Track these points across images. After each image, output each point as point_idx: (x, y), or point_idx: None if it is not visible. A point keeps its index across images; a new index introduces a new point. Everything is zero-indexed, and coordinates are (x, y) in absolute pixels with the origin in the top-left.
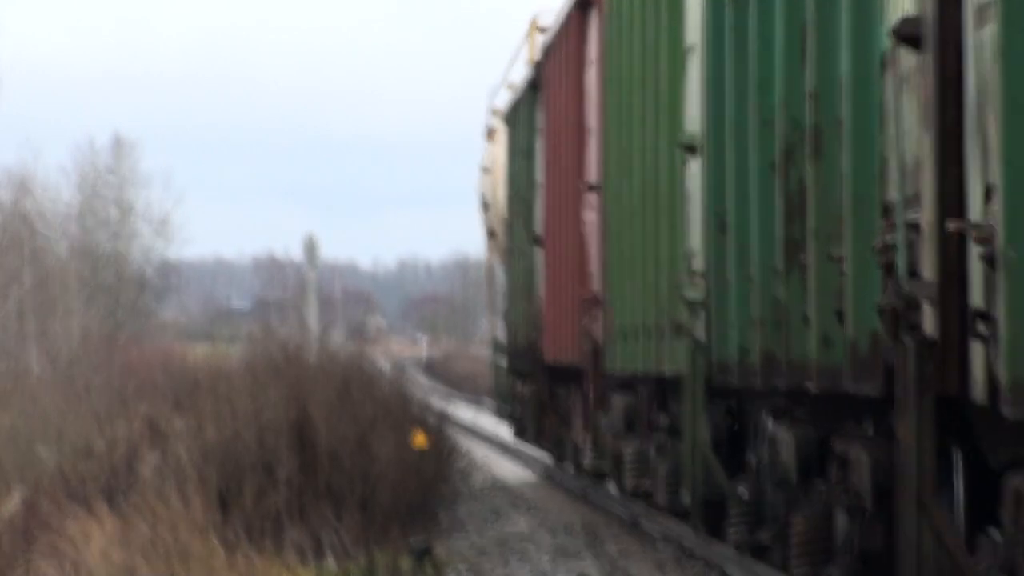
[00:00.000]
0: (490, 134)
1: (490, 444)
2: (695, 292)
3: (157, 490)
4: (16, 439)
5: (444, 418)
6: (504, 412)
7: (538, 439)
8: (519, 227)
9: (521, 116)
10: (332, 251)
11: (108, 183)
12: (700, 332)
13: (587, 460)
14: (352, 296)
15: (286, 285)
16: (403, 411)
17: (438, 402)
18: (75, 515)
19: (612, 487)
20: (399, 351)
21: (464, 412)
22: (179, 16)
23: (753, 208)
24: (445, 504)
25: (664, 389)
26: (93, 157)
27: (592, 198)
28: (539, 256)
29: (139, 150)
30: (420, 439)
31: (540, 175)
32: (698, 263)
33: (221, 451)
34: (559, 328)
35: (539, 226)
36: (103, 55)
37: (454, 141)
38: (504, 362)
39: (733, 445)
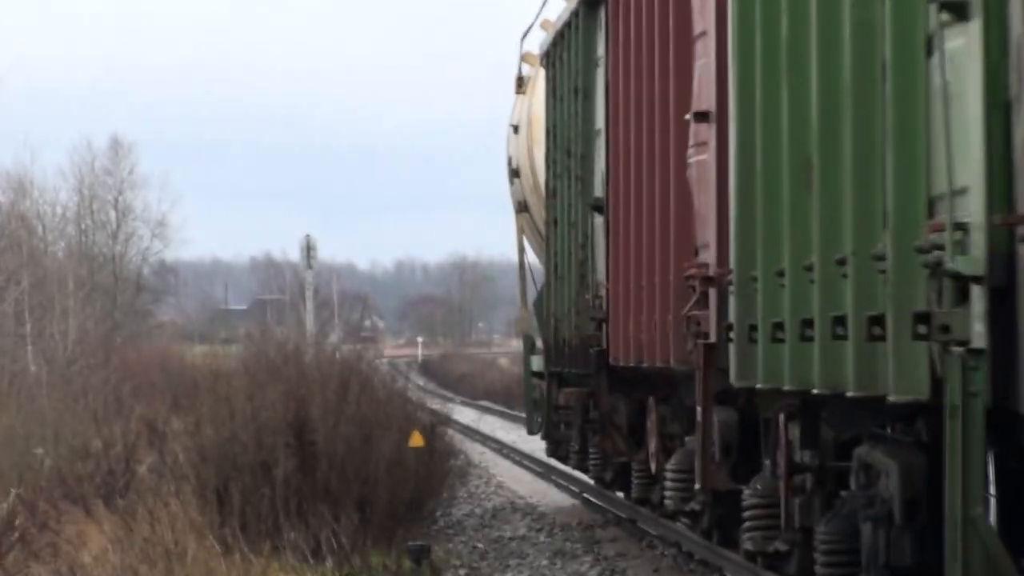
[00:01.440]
0: (520, 85)
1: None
2: (970, 264)
3: (154, 490)
4: (13, 439)
5: (443, 419)
6: (537, 426)
7: (583, 462)
8: (567, 192)
9: (569, 50)
10: (330, 252)
11: (106, 184)
12: (978, 333)
13: (672, 500)
14: (349, 297)
15: (283, 286)
16: (401, 412)
17: (435, 404)
18: (72, 516)
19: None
20: (396, 352)
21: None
22: (177, 18)
23: None
24: (443, 505)
25: (816, 412)
26: (91, 158)
27: (704, 131)
28: (598, 226)
29: (136, 151)
30: (417, 439)
31: (601, 119)
32: (973, 204)
33: (219, 451)
34: (634, 318)
35: (599, 187)
36: (101, 57)
37: (452, 143)
38: (539, 363)
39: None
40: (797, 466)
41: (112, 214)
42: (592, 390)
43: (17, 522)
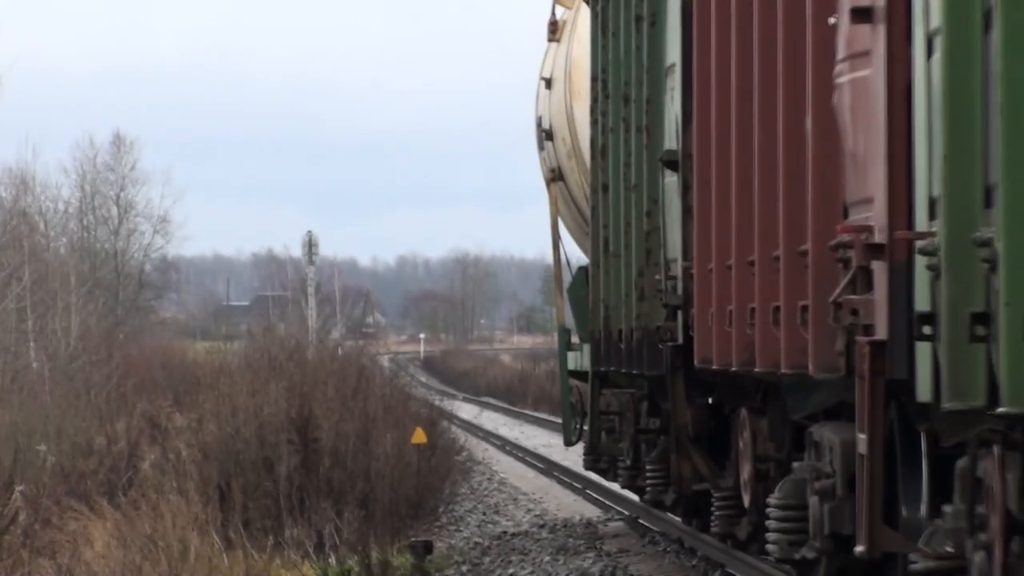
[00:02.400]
0: (553, 31)
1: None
2: None
3: (157, 487)
4: (16, 436)
5: (445, 416)
6: (575, 435)
7: (635, 480)
8: (622, 148)
9: None
10: (332, 248)
11: (108, 180)
12: None
13: (778, 545)
14: (351, 293)
15: (285, 282)
16: (403, 408)
17: (437, 401)
18: (75, 512)
19: None
20: (398, 348)
21: (464, 412)
22: (179, 13)
23: None
24: (445, 501)
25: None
26: (93, 154)
27: (864, 36)
28: (671, 187)
29: (139, 148)
30: (420, 435)
31: (675, 52)
32: None
33: (221, 448)
34: (736, 305)
35: (671, 137)
36: (103, 53)
37: (454, 139)
38: (580, 361)
39: None
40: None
41: (114, 210)
42: (645, 393)
43: (21, 519)
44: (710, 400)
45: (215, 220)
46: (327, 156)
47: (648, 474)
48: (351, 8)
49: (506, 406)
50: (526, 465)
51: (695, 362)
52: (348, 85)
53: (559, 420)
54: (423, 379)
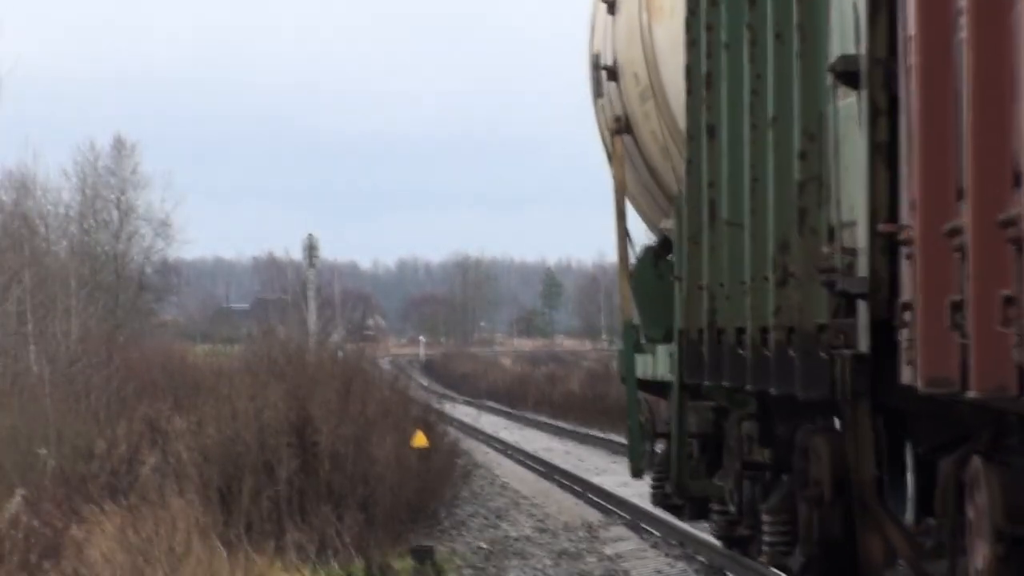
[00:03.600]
0: None
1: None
2: None
3: (158, 490)
4: (16, 440)
5: (446, 419)
6: (646, 462)
7: (732, 528)
8: (747, 69)
9: None
10: (332, 252)
11: (109, 184)
12: None
13: None
14: (352, 296)
15: (286, 286)
16: (404, 411)
17: (438, 404)
18: (76, 516)
19: None
20: (399, 351)
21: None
22: (179, 17)
23: None
24: (446, 504)
25: None
26: (94, 158)
27: None
28: (848, 115)
29: (139, 151)
30: (421, 439)
31: None
32: None
33: (221, 451)
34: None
35: (849, 38)
36: (104, 57)
37: (455, 142)
38: (652, 367)
39: None
40: None
41: (115, 213)
42: (751, 413)
43: (22, 522)
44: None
45: (216, 223)
46: (328, 159)
47: (767, 528)
48: (351, 11)
49: (507, 409)
50: (527, 469)
51: (912, 382)
52: (349, 88)
53: (559, 424)
54: (424, 382)
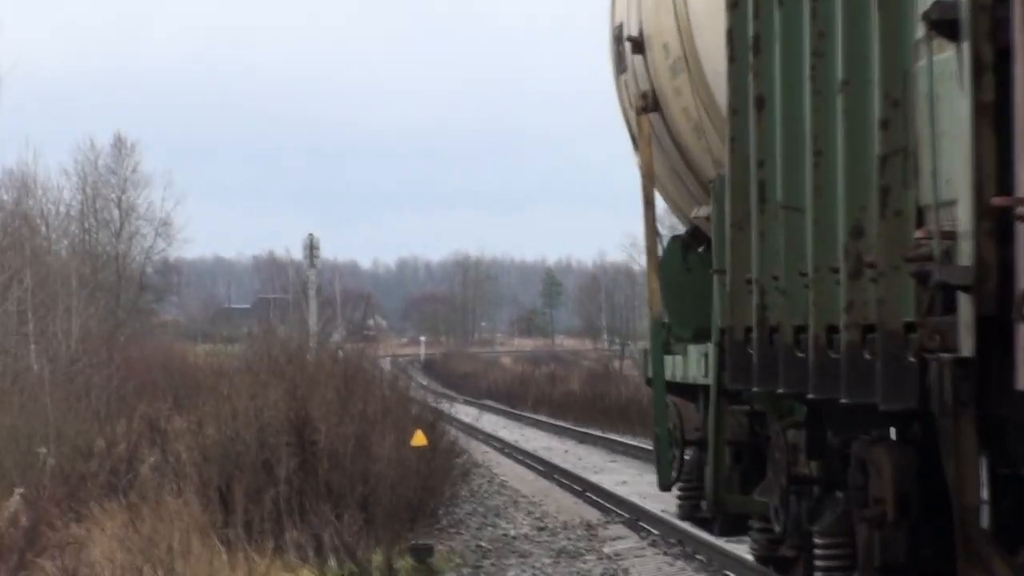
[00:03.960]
0: None
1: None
2: None
3: (157, 490)
4: (16, 439)
5: (445, 418)
6: (674, 473)
7: (773, 547)
8: (808, 27)
9: None
10: (332, 251)
11: (109, 183)
12: None
13: None
14: (352, 296)
15: (286, 285)
16: (403, 410)
17: (437, 404)
18: (76, 515)
19: None
20: (399, 351)
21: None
22: (179, 16)
23: None
24: (445, 503)
25: None
26: (94, 158)
27: None
28: (944, 73)
29: (140, 151)
30: (420, 438)
31: None
32: None
33: (221, 451)
34: None
35: None
36: (104, 56)
37: (455, 142)
38: (683, 369)
39: None
40: None
41: (115, 213)
42: (799, 420)
43: (22, 521)
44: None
45: (216, 223)
46: (328, 159)
47: (820, 551)
48: (351, 10)
49: (506, 408)
50: (526, 468)
51: None
52: (349, 87)
53: (559, 423)
54: (424, 382)
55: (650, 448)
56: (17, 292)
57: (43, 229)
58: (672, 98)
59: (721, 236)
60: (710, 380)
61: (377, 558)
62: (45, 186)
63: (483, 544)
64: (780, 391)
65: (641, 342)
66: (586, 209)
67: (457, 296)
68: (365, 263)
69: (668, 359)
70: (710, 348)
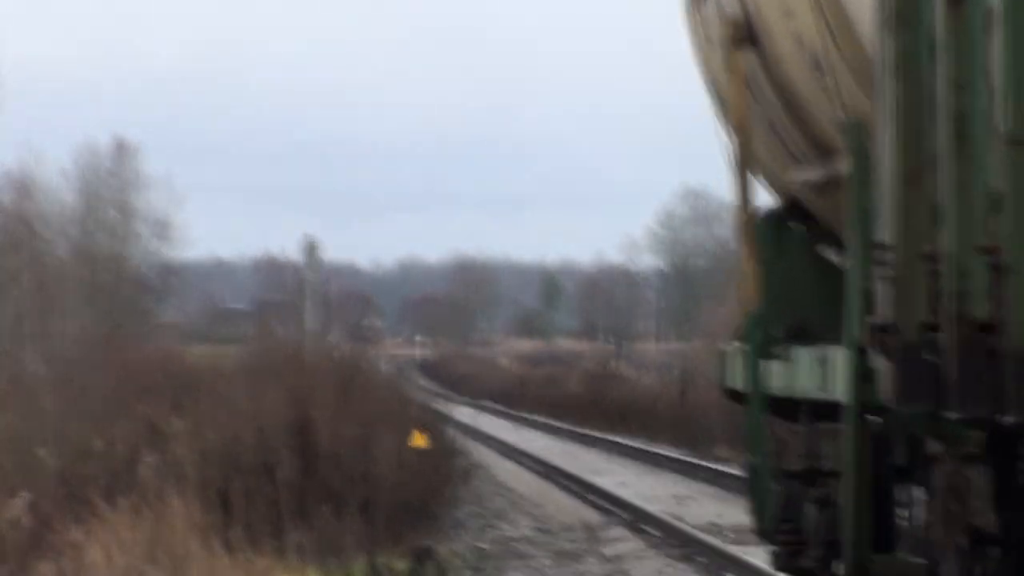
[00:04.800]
0: None
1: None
2: None
3: (157, 491)
4: (15, 440)
5: (445, 420)
6: (772, 516)
7: None
8: None
9: None
10: (332, 252)
11: (109, 186)
12: None
13: None
14: (351, 297)
15: (285, 286)
16: (403, 411)
17: (436, 405)
18: (76, 517)
19: None
20: (397, 351)
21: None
22: (179, 19)
23: None
24: (445, 504)
25: None
26: (94, 160)
27: None
28: None
29: (140, 153)
30: (420, 439)
31: None
32: None
33: (221, 452)
34: None
35: None
36: (104, 58)
37: (454, 143)
38: (792, 378)
39: None
40: None
41: (115, 215)
42: (979, 453)
43: (22, 523)
44: None
45: (216, 225)
46: (327, 160)
47: None
48: (350, 13)
49: (505, 409)
50: (526, 469)
51: None
52: (348, 89)
53: (558, 424)
54: (422, 383)
55: (650, 449)
56: (16, 293)
57: (43, 231)
58: (778, 22)
59: (863, 200)
60: (844, 396)
61: (378, 559)
62: (45, 188)
63: (484, 545)
64: (1009, 421)
65: (641, 342)
66: (585, 210)
67: (456, 297)
68: (364, 264)
69: (779, 367)
70: (839, 353)
